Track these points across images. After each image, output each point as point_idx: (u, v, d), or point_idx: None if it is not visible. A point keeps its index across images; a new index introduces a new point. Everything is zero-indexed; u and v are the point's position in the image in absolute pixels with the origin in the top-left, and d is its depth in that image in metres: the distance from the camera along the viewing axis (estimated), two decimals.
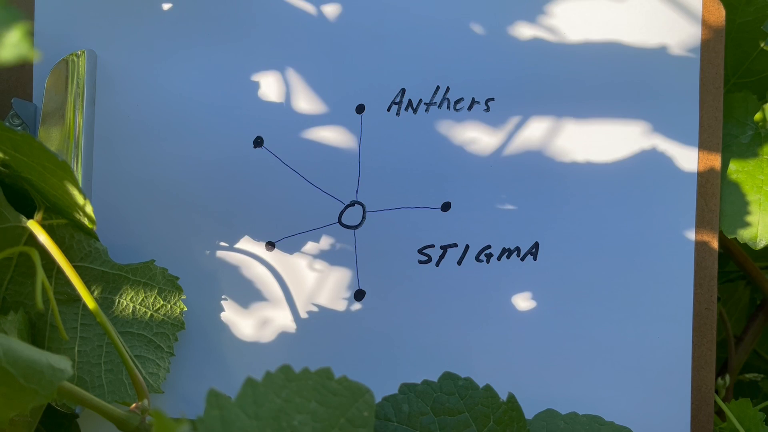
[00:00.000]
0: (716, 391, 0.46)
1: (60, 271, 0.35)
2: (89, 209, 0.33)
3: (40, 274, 0.29)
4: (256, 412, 0.26)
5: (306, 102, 0.40)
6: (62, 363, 0.28)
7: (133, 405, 0.33)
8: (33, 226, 0.34)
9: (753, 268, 0.48)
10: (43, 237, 0.33)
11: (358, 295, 0.40)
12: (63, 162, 0.30)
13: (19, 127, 0.38)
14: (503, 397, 0.34)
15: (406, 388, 0.34)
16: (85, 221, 0.34)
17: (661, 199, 0.40)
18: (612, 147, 0.40)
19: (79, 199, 0.32)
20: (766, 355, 0.54)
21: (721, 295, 0.56)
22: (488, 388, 0.34)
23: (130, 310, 0.37)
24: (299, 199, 0.40)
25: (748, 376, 0.50)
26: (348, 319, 0.40)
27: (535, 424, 0.36)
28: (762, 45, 0.45)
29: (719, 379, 0.47)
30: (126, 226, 0.40)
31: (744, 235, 0.41)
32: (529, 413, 0.36)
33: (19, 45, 0.16)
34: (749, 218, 0.41)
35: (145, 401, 0.33)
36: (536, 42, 0.40)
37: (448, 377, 0.34)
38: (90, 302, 0.32)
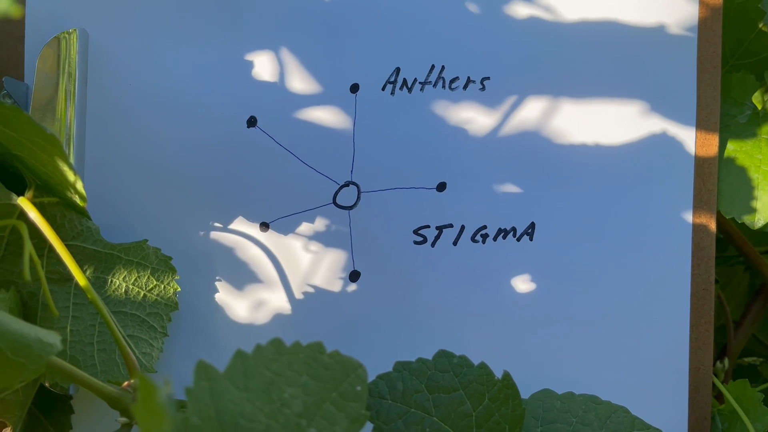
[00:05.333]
0: (715, 375, 0.46)
1: (51, 249, 0.35)
2: (80, 186, 0.33)
3: (28, 246, 0.29)
4: (245, 385, 0.25)
5: (300, 81, 0.40)
6: (51, 337, 0.27)
7: (126, 383, 0.32)
8: (23, 203, 0.33)
9: (752, 252, 0.48)
10: (33, 214, 0.33)
11: (353, 276, 0.40)
12: (52, 136, 0.30)
13: None
14: (498, 375, 0.34)
15: (401, 366, 0.34)
16: (76, 198, 0.34)
17: (658, 179, 0.39)
18: (609, 126, 0.39)
19: (70, 175, 0.32)
20: (764, 339, 0.54)
21: (721, 280, 0.55)
22: (483, 366, 0.34)
23: (123, 289, 0.37)
24: (293, 180, 0.40)
25: (747, 360, 0.50)
26: (343, 300, 0.40)
27: (531, 403, 0.35)
28: (760, 25, 0.45)
29: (718, 362, 0.47)
30: (118, 205, 0.39)
31: (742, 215, 0.41)
32: (525, 393, 0.36)
33: (1, 1, 0.16)
34: (748, 198, 0.41)
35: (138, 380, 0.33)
36: (532, 20, 0.39)
37: (443, 355, 0.34)
38: (81, 279, 0.32)
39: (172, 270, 0.37)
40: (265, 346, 0.26)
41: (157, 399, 0.19)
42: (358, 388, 0.28)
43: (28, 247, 0.29)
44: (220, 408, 0.24)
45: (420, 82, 0.39)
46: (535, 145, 0.40)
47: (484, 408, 0.33)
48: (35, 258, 0.31)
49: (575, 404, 0.36)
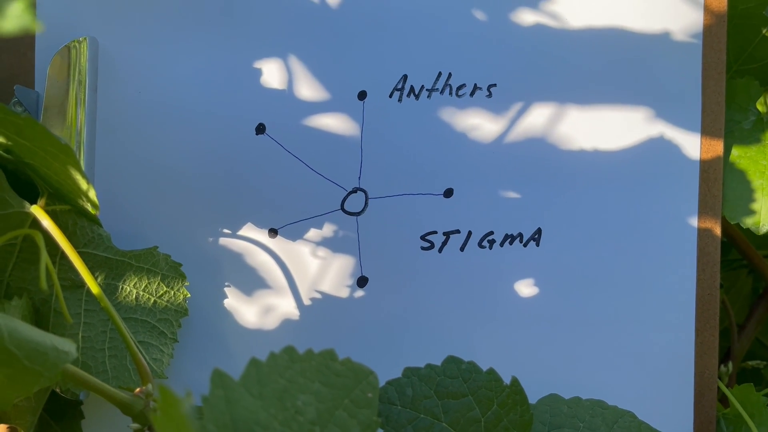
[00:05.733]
0: (719, 378, 0.46)
1: (63, 257, 0.35)
2: (92, 194, 0.33)
3: (44, 255, 0.29)
4: (260, 392, 0.26)
5: (308, 88, 0.40)
6: (67, 345, 0.28)
7: (138, 389, 0.33)
8: (36, 211, 0.34)
9: (756, 256, 0.48)
10: (46, 222, 0.33)
11: (361, 281, 0.40)
12: (66, 146, 0.30)
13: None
14: (506, 381, 0.34)
15: (410, 372, 0.34)
16: (88, 206, 0.34)
17: (663, 185, 0.40)
18: (614, 133, 0.40)
19: (83, 183, 0.32)
20: None
21: (724, 284, 0.56)
22: (491, 372, 0.34)
23: (134, 296, 0.37)
24: (301, 186, 0.40)
25: (750, 363, 0.50)
26: (351, 306, 0.40)
27: (539, 408, 0.36)
28: (764, 31, 0.45)
29: (722, 366, 0.47)
30: (129, 212, 0.40)
31: (747, 220, 0.41)
32: (532, 398, 0.36)
33: (22, 16, 0.16)
34: (752, 204, 0.41)
35: (149, 386, 0.33)
36: (538, 28, 0.40)
37: (452, 361, 0.34)
38: (93, 286, 0.32)
39: (182, 276, 0.38)
40: (278, 354, 0.27)
41: (179, 410, 0.20)
42: (370, 394, 0.28)
43: (45, 257, 0.29)
44: (235, 415, 0.25)
45: (427, 89, 0.40)
46: (541, 151, 0.40)
47: (492, 413, 0.33)
48: (50, 265, 0.31)
49: (582, 409, 0.36)
